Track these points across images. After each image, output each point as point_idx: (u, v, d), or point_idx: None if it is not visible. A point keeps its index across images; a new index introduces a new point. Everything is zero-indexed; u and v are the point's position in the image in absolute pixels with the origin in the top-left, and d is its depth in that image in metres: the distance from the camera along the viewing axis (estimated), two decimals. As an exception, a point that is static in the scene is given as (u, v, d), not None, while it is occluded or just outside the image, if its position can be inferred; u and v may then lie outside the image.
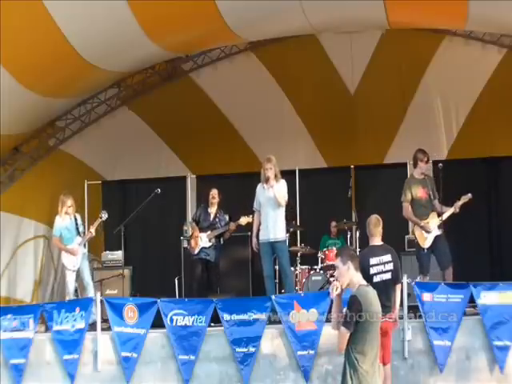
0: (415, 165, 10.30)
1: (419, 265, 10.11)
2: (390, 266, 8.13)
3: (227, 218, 11.69)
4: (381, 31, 13.32)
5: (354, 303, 6.29)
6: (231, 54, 14.23)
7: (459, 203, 10.03)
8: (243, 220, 11.27)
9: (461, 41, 13.48)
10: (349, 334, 6.31)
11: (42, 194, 13.67)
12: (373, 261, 8.14)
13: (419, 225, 10.03)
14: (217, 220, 11.56)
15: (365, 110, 13.98)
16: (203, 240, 11.45)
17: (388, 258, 8.15)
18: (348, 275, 6.45)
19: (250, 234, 12.89)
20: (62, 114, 13.71)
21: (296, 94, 14.18)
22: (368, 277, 7.87)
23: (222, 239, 11.67)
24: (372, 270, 8.08)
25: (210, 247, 11.45)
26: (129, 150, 14.48)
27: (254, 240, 10.47)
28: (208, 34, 11.57)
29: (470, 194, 10.07)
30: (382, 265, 8.10)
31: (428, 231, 9.96)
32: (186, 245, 11.88)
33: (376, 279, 8.02)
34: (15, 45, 10.50)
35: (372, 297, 6.44)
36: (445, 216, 10.02)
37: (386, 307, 7.84)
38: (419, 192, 10.11)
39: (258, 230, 10.41)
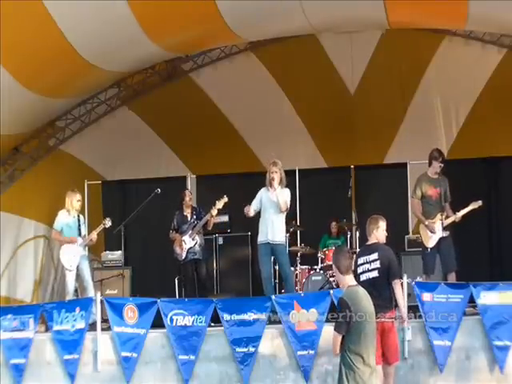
0: (430, 163, 10.29)
1: (423, 264, 10.13)
2: (377, 264, 8.08)
3: (203, 212, 11.64)
4: (381, 31, 13.32)
5: (341, 305, 6.43)
6: (231, 54, 14.22)
7: (467, 209, 10.03)
8: (218, 203, 11.22)
9: (461, 41, 13.47)
10: (341, 337, 6.37)
11: (41, 193, 13.68)
12: (360, 260, 8.19)
13: (424, 223, 10.06)
14: (194, 217, 11.58)
15: (365, 110, 13.97)
16: (187, 242, 11.44)
17: (374, 256, 8.12)
18: (337, 276, 6.65)
19: (249, 234, 13.01)
20: (62, 114, 13.71)
21: (296, 94, 14.18)
22: (356, 276, 8.02)
23: (205, 230, 11.60)
24: (359, 270, 8.14)
25: (195, 245, 11.43)
26: (129, 150, 14.48)
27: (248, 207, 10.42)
28: (208, 33, 11.57)
29: (480, 202, 10.05)
30: (368, 263, 8.09)
31: (432, 231, 9.97)
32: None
33: (362, 278, 8.04)
34: (15, 44, 10.50)
35: (361, 297, 6.50)
36: (450, 220, 10.04)
37: (378, 306, 7.85)
38: (429, 190, 10.15)
39: (257, 236, 10.40)
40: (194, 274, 11.44)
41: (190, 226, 11.50)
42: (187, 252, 11.42)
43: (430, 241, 10.04)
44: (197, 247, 11.45)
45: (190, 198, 11.74)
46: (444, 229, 9.98)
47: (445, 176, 10.34)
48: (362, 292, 6.55)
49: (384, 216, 8.44)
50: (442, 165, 10.24)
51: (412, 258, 11.36)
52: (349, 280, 6.57)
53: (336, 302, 8.92)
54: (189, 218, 11.60)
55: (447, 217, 10.05)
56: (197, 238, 11.45)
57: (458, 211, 10.13)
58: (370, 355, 6.43)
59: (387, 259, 8.09)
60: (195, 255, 11.44)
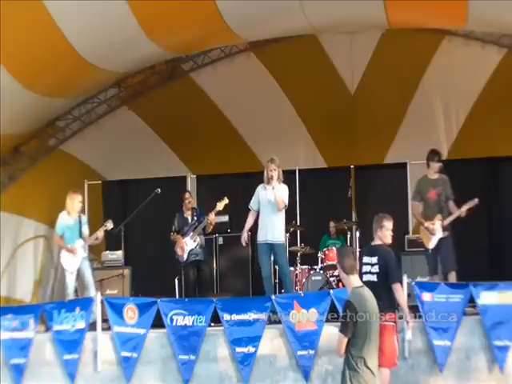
0: (428, 165, 10.32)
1: (428, 265, 10.16)
2: (376, 269, 8.02)
3: (204, 213, 11.64)
4: (381, 31, 13.32)
5: (348, 308, 6.42)
6: (231, 54, 14.23)
7: (464, 208, 10.05)
8: (219, 205, 11.25)
9: (461, 41, 13.47)
10: (346, 339, 6.36)
11: (42, 194, 13.68)
12: (365, 259, 8.16)
13: (423, 225, 10.10)
14: (195, 219, 11.57)
15: (365, 110, 13.97)
16: (188, 244, 11.43)
17: (375, 260, 8.05)
18: (342, 277, 6.67)
19: (249, 234, 12.97)
20: (62, 114, 13.72)
21: (296, 94, 14.18)
22: (360, 274, 8.00)
23: (204, 231, 11.60)
24: (362, 269, 8.11)
25: (196, 247, 11.43)
26: (129, 150, 14.49)
27: (245, 234, 10.47)
28: (208, 33, 11.57)
29: (476, 200, 10.06)
30: (371, 266, 8.06)
31: (432, 233, 9.99)
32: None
33: (365, 278, 8.00)
34: (15, 44, 10.50)
35: (367, 298, 6.50)
36: (450, 219, 10.05)
37: (378, 308, 7.85)
38: (428, 193, 10.20)
39: (256, 235, 10.39)
40: (195, 275, 11.43)
41: (190, 228, 11.49)
42: (188, 254, 11.41)
43: (431, 242, 10.07)
44: (198, 249, 11.45)
45: (189, 200, 11.71)
46: (444, 229, 10.00)
47: (445, 175, 10.34)
48: (366, 293, 6.55)
49: (385, 216, 8.42)
50: (440, 163, 10.26)
51: (412, 258, 11.36)
52: (354, 280, 6.55)
53: (336, 302, 8.99)
54: (189, 220, 11.59)
55: (450, 214, 10.08)
56: (198, 239, 11.45)
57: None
58: (372, 357, 6.43)
59: (385, 264, 7.98)
60: (197, 256, 11.44)
